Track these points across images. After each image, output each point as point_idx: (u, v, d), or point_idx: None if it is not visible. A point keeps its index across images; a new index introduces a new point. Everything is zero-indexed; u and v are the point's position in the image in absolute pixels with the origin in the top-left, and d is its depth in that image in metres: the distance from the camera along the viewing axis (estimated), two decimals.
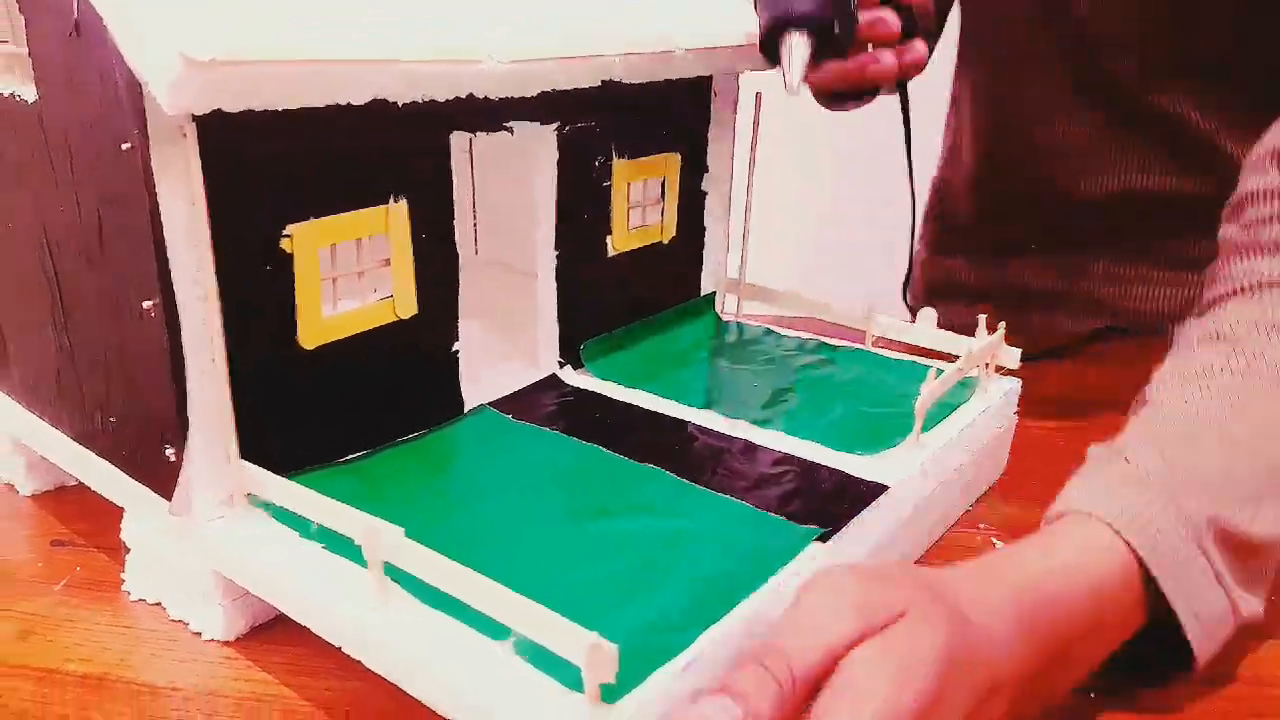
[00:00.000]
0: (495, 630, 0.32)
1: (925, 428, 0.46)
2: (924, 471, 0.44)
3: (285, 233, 0.38)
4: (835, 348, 0.58)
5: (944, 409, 0.49)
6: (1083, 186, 0.72)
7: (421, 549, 0.32)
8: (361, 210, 0.40)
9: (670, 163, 0.56)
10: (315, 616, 0.36)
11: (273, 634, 0.40)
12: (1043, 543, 0.37)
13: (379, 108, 0.37)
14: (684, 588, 0.35)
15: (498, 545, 0.37)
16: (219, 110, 0.33)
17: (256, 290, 0.37)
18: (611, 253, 0.54)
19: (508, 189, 0.49)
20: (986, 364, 0.51)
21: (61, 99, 0.37)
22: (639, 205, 0.55)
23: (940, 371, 0.47)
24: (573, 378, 0.53)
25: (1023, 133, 0.74)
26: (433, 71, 0.38)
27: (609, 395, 0.51)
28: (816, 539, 0.38)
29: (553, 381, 0.52)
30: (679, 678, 0.31)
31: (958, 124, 0.83)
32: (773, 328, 0.61)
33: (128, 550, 0.43)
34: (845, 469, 0.43)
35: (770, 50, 0.45)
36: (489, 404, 0.49)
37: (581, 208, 0.51)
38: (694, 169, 0.58)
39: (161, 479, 0.39)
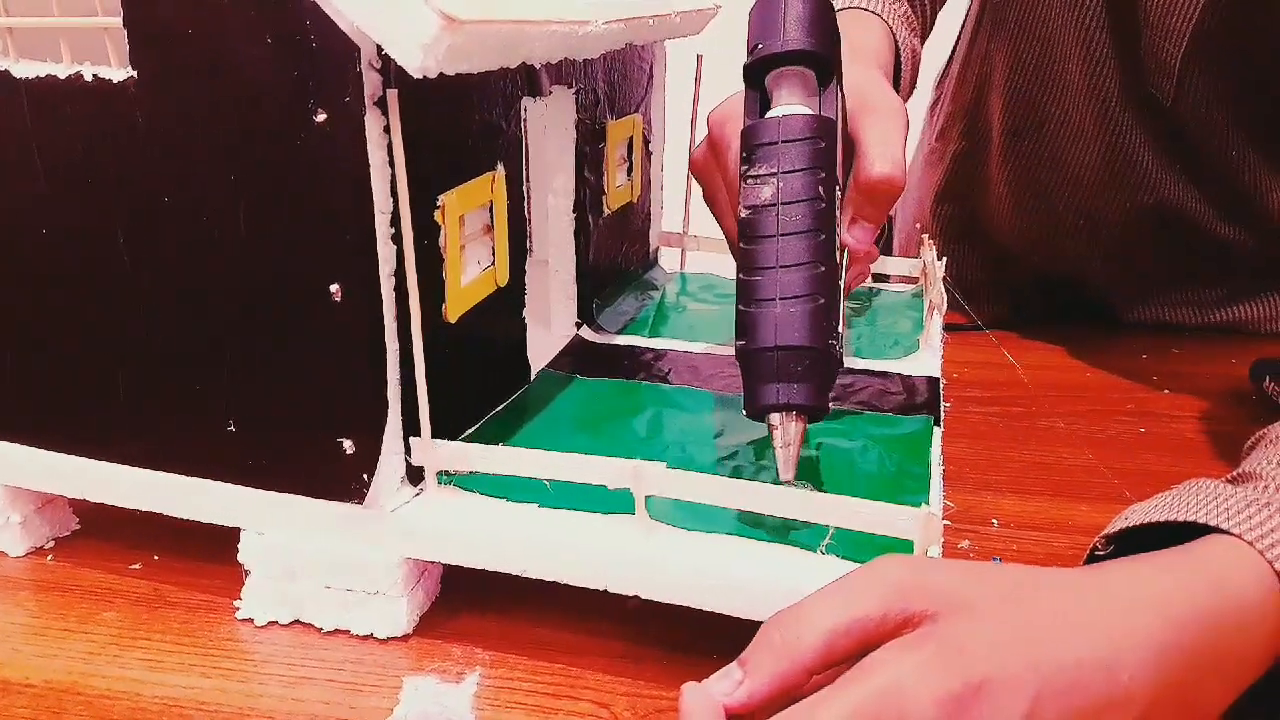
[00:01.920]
0: (766, 534, 0.35)
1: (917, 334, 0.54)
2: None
3: (438, 203, 0.37)
4: None
5: (918, 320, 0.57)
6: (1116, 196, 0.71)
7: (699, 477, 0.34)
8: (480, 178, 0.40)
9: (636, 124, 0.59)
10: (566, 568, 0.36)
11: (138, 628, 0.40)
12: (1177, 560, 0.32)
13: (495, 74, 0.37)
14: (873, 474, 0.40)
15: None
16: (406, 78, 0.32)
17: (421, 264, 0.36)
18: (606, 213, 0.56)
19: (543, 153, 0.49)
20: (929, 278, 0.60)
21: (179, 74, 0.33)
22: (621, 166, 0.57)
23: (919, 292, 0.56)
24: (593, 336, 0.55)
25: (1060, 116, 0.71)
26: (563, 32, 0.38)
27: (646, 346, 0.53)
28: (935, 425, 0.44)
29: (580, 342, 0.54)
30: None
31: (979, 86, 0.77)
32: (718, 275, 0.66)
33: (248, 573, 0.40)
34: (898, 371, 0.50)
35: (756, 414, 0.38)
36: (544, 367, 0.50)
37: (587, 169, 0.53)
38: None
39: (326, 478, 0.37)
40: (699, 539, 0.36)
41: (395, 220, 0.34)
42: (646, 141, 0.61)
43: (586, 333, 0.55)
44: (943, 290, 0.52)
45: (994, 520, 0.48)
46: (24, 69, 0.36)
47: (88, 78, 0.35)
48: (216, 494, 0.39)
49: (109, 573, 0.43)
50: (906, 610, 0.28)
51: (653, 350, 0.53)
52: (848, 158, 0.46)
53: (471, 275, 0.41)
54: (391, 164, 0.33)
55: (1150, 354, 0.70)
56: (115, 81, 0.34)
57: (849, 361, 0.51)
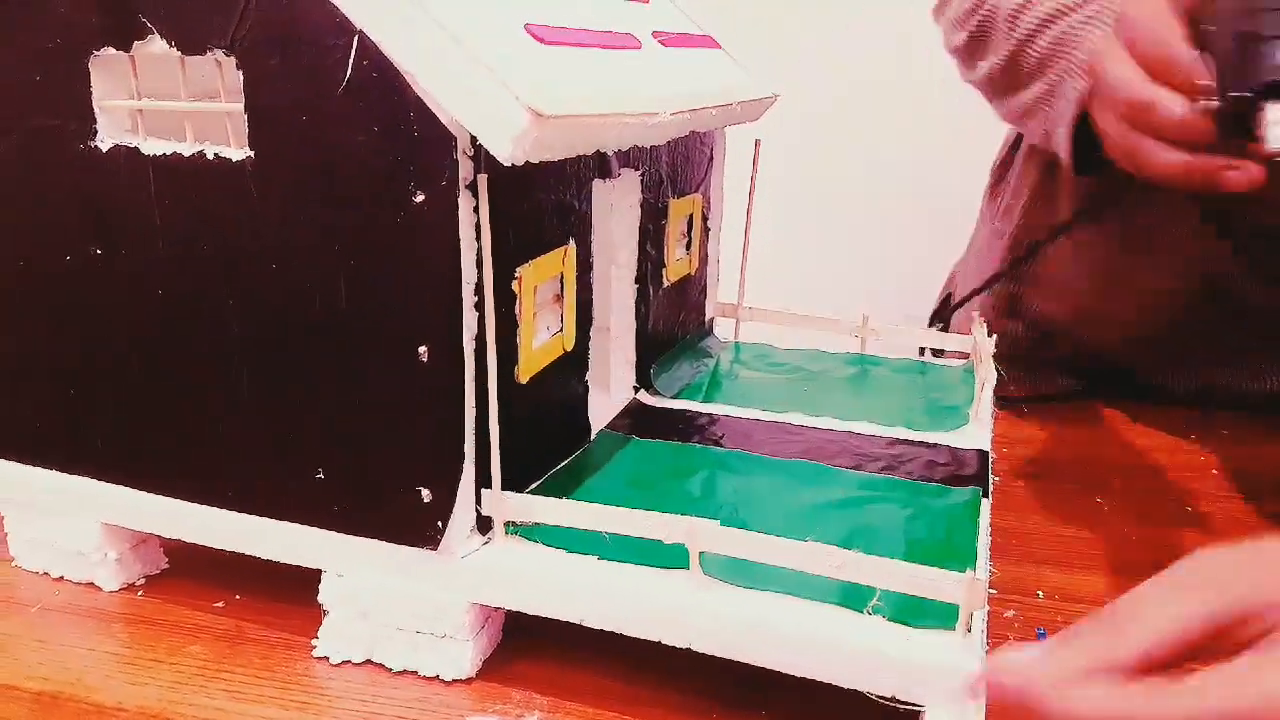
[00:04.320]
0: (819, 592, 0.37)
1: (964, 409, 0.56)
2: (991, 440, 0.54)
3: (515, 275, 0.40)
4: (838, 355, 0.66)
5: (969, 395, 0.59)
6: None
7: (750, 534, 0.36)
8: (553, 252, 0.43)
9: (696, 203, 0.62)
10: (622, 618, 0.38)
11: (221, 661, 0.43)
12: None
13: (570, 159, 0.41)
14: (921, 541, 0.41)
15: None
16: (495, 165, 0.35)
17: (498, 329, 0.39)
18: (666, 284, 0.59)
19: (606, 229, 0.53)
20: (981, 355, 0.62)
21: (292, 155, 0.37)
22: (681, 240, 0.61)
23: (970, 367, 0.58)
24: (650, 400, 0.57)
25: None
26: (635, 124, 0.42)
27: (701, 411, 0.56)
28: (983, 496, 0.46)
29: (637, 405, 0.56)
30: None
31: (1044, 171, 0.79)
32: (772, 345, 0.69)
33: (326, 613, 0.42)
34: (947, 444, 0.52)
35: (1234, 122, 0.44)
36: (604, 428, 0.52)
37: (649, 244, 0.56)
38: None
39: (404, 524, 0.39)
40: (749, 595, 0.38)
41: (479, 289, 0.37)
42: (705, 219, 0.64)
43: (644, 396, 0.57)
44: (992, 367, 0.54)
45: (1039, 591, 0.49)
46: (152, 146, 0.40)
47: (209, 156, 0.39)
48: (303, 537, 0.42)
49: (195, 609, 0.47)
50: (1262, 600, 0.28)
51: (707, 415, 0.56)
52: None
53: (542, 340, 0.44)
54: (478, 239, 0.37)
55: (1199, 433, 0.71)
56: (234, 160, 0.38)
57: (899, 433, 0.53)
